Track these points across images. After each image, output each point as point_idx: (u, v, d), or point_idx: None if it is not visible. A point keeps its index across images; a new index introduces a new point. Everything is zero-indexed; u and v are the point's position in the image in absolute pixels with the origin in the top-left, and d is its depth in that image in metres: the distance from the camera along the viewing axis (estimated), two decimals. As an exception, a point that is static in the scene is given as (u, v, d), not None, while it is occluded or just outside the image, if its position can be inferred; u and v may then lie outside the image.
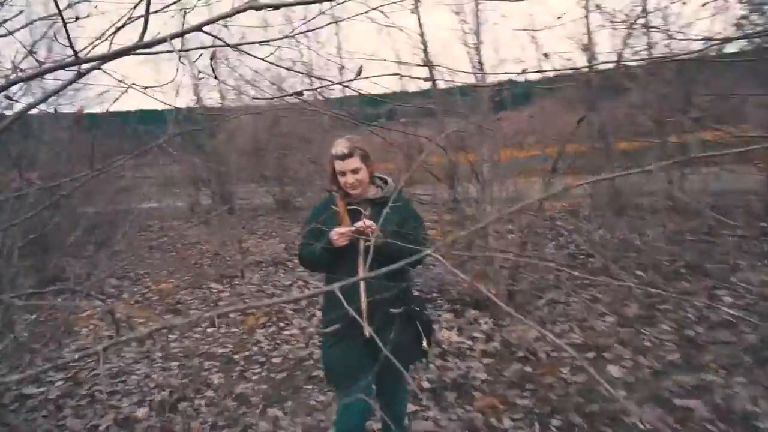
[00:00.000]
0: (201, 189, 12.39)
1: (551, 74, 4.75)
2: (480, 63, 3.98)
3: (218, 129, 12.11)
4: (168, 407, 3.30)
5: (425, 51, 3.96)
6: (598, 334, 3.76)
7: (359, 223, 2.07)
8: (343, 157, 2.16)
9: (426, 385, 3.29)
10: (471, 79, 4.22)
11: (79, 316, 5.59)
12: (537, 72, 4.26)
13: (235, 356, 4.10)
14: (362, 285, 2.13)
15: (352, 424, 2.18)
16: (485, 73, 4.29)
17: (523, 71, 2.22)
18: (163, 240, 9.18)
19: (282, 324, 4.69)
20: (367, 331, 2.15)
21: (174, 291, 6.21)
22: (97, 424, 3.20)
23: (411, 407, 3.04)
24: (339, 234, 2.06)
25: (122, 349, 4.40)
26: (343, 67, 6.95)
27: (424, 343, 2.22)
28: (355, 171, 2.18)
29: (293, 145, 7.96)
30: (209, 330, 4.79)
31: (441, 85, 4.00)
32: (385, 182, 2.31)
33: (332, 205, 2.25)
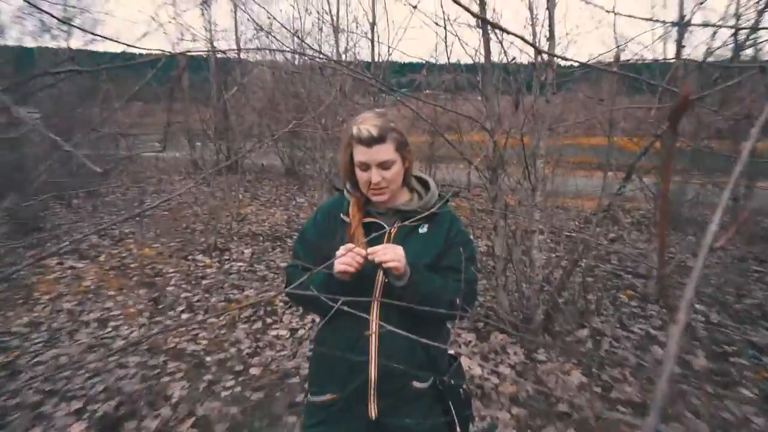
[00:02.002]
0: (206, 143, 11.67)
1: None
2: (551, 33, 3.09)
3: (231, 81, 11.29)
4: (109, 426, 2.60)
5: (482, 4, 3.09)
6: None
7: (377, 252, 1.28)
8: (369, 142, 1.34)
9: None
10: (526, 51, 3.35)
11: (43, 278, 4.92)
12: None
13: (208, 359, 3.38)
14: (373, 342, 1.37)
15: None
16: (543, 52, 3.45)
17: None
18: (159, 197, 8.48)
19: (269, 320, 3.97)
20: (373, 411, 1.40)
21: (156, 259, 5.50)
22: (14, 443, 2.51)
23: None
24: (344, 261, 1.28)
25: (77, 331, 3.70)
26: (374, 24, 6.06)
27: (457, 432, 1.46)
28: (384, 165, 1.36)
29: (308, 107, 7.12)
30: (184, 315, 4.08)
31: (494, 57, 3.14)
32: (426, 186, 1.51)
33: (342, 212, 1.45)
